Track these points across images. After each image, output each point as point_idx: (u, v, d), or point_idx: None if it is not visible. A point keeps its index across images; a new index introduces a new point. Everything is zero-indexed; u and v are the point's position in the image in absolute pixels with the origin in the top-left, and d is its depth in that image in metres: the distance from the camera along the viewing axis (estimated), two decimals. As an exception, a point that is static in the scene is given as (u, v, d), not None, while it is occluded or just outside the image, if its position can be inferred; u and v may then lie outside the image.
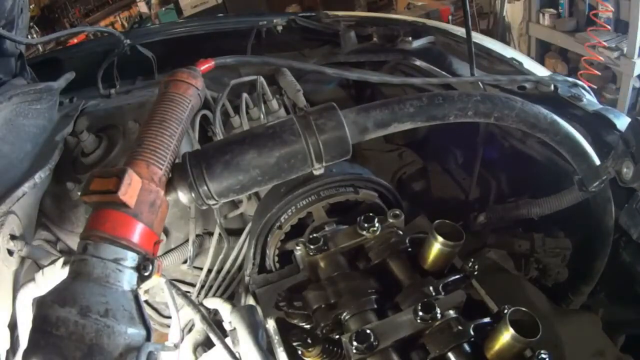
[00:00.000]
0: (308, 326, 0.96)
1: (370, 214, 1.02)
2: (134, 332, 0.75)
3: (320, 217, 1.18)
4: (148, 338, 0.78)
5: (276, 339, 0.97)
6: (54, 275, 1.25)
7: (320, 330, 0.92)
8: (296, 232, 1.17)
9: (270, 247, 1.18)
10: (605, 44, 3.71)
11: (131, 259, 0.80)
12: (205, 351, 1.32)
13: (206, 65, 1.39)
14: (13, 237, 1.18)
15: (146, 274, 0.81)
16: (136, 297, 0.80)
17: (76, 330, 0.70)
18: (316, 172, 1.02)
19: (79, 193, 1.33)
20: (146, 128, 0.98)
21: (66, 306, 0.71)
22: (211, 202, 0.97)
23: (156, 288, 1.61)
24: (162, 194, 0.90)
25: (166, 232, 1.55)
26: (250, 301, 1.12)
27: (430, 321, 0.84)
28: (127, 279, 0.79)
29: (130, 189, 0.81)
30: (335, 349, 0.93)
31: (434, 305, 0.84)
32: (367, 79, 1.65)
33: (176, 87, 1.13)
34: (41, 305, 0.73)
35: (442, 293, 0.92)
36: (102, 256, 0.77)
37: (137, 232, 0.81)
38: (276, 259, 1.20)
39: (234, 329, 1.03)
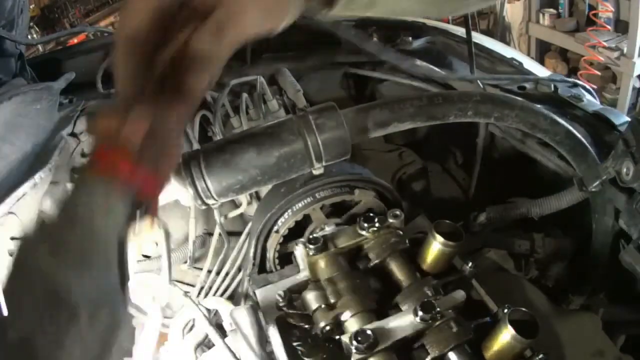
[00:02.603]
0: (308, 326, 0.96)
1: (370, 214, 1.02)
2: (108, 279, 0.68)
3: (318, 219, 1.18)
4: (123, 285, 0.70)
5: (276, 338, 0.97)
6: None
7: (320, 330, 0.92)
8: (296, 233, 1.17)
9: (270, 250, 1.18)
10: (605, 44, 3.71)
11: (125, 199, 0.69)
12: (205, 351, 1.32)
13: None
14: (13, 238, 1.18)
15: (138, 217, 0.71)
16: (121, 241, 0.71)
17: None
18: (316, 172, 1.02)
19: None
20: None
21: (40, 248, 0.65)
22: (210, 201, 0.98)
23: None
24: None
25: (166, 232, 1.55)
26: (250, 301, 1.12)
27: (430, 321, 0.84)
28: (115, 219, 0.69)
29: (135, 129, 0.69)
30: (335, 349, 0.93)
31: (434, 305, 0.84)
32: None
33: None
34: (20, 245, 0.68)
35: (442, 293, 0.92)
36: (90, 193, 0.68)
37: (134, 174, 0.70)
38: (276, 261, 1.20)
39: (234, 329, 1.03)
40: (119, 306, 0.69)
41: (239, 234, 1.57)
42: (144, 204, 0.73)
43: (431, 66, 1.74)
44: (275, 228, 1.16)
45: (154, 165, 0.73)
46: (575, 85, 1.49)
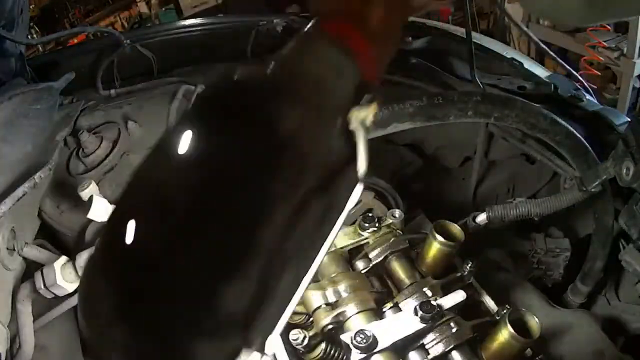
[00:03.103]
0: (308, 326, 0.96)
1: (370, 214, 1.02)
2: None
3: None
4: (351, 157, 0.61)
5: (276, 338, 0.97)
6: (54, 275, 1.25)
7: (320, 330, 0.92)
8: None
9: None
10: (605, 44, 3.71)
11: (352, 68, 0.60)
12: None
13: None
14: (13, 237, 1.18)
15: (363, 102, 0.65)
16: (347, 114, 0.59)
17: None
18: (316, 172, 1.02)
19: (78, 196, 1.32)
20: None
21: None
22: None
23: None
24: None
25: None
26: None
27: (430, 321, 0.84)
28: (344, 86, 0.59)
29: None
30: (335, 349, 0.93)
31: (434, 305, 0.84)
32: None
33: None
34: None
35: (442, 293, 0.92)
36: (320, 50, 0.57)
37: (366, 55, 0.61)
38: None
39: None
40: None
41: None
42: (362, 88, 0.60)
43: (432, 66, 1.74)
44: None
45: (379, 54, 0.64)
46: (575, 85, 1.49)
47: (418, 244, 1.01)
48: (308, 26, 0.57)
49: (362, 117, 0.58)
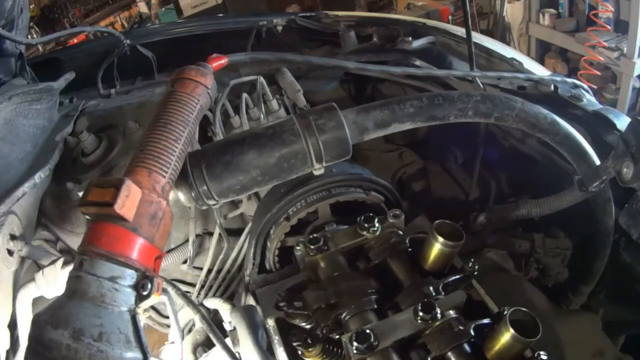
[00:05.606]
0: (308, 326, 0.96)
1: (371, 214, 1.02)
2: (130, 357, 0.71)
3: (325, 215, 1.18)
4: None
5: (276, 339, 0.97)
6: (54, 275, 1.25)
7: (320, 330, 0.92)
8: (298, 229, 1.17)
9: (273, 240, 1.17)
10: (605, 44, 3.71)
11: (129, 277, 0.75)
12: (205, 351, 1.32)
13: (218, 62, 1.22)
14: (13, 237, 1.18)
15: (145, 293, 0.76)
16: (134, 318, 0.74)
17: (68, 354, 0.66)
18: (316, 172, 1.02)
19: (78, 196, 1.33)
20: (149, 132, 0.92)
21: (59, 328, 0.68)
22: (211, 202, 0.98)
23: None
24: (165, 204, 0.85)
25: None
26: (250, 301, 1.12)
27: (430, 321, 0.84)
28: (125, 298, 0.74)
29: (128, 201, 0.76)
30: (335, 349, 0.93)
31: (434, 305, 0.84)
32: (390, 72, 1.62)
33: (183, 85, 1.03)
34: (35, 324, 0.70)
35: (442, 293, 0.92)
36: (97, 274, 0.72)
37: (135, 248, 0.76)
38: (276, 259, 1.20)
39: (234, 329, 1.03)
40: None
41: (238, 232, 1.57)
42: (148, 280, 0.77)
43: (431, 66, 1.74)
44: (286, 216, 1.15)
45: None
46: (575, 86, 1.49)
47: (418, 244, 1.01)
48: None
49: (146, 307, 0.79)
